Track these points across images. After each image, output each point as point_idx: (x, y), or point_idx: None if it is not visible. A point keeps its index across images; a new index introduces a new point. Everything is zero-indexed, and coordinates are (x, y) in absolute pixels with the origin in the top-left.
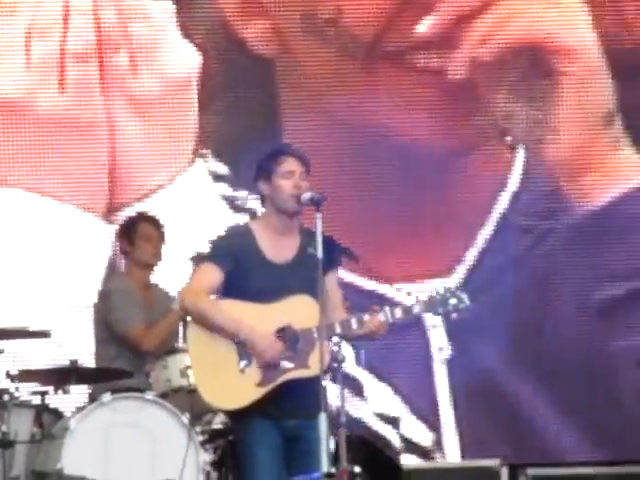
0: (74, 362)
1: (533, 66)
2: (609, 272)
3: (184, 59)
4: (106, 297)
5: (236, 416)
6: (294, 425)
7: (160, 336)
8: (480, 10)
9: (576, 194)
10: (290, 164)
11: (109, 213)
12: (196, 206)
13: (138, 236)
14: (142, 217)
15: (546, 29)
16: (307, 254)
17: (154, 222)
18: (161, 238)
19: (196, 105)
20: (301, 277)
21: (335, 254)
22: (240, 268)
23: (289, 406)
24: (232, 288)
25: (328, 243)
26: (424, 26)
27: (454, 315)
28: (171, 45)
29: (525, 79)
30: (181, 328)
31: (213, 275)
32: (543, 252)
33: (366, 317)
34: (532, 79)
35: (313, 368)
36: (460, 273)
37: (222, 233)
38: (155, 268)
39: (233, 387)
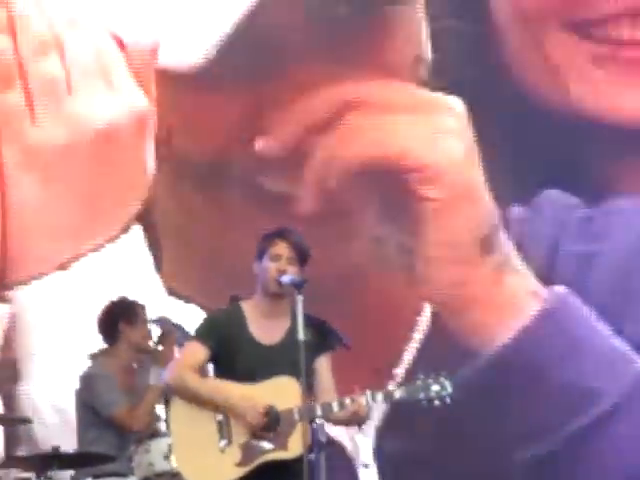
0: (56, 448)
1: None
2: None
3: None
4: (88, 382)
5: None
6: None
7: (146, 413)
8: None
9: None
10: (280, 248)
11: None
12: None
13: (139, 320)
14: (138, 303)
15: (399, 143)
16: (295, 337)
17: (145, 308)
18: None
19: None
20: (289, 359)
21: (329, 338)
22: (229, 348)
23: None
24: (220, 367)
25: (322, 327)
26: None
27: (436, 403)
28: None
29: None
30: (163, 410)
31: (199, 354)
32: None
33: (347, 400)
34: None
35: (292, 449)
36: None
37: (212, 312)
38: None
39: (213, 467)
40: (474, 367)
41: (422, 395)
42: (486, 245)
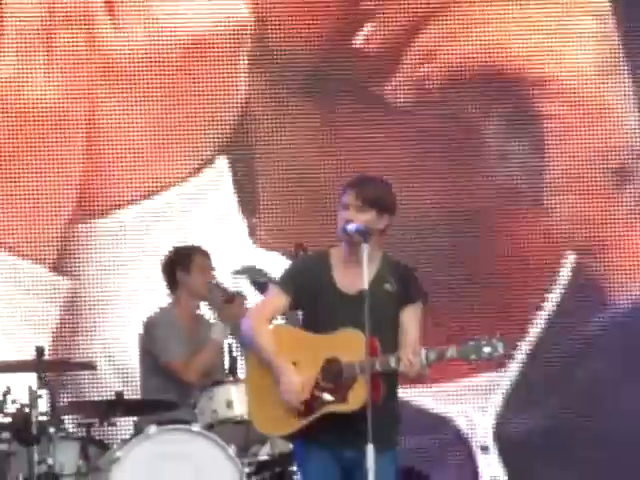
0: (120, 394)
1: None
2: None
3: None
4: (149, 328)
5: (297, 442)
6: (352, 456)
7: (201, 367)
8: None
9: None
10: (347, 197)
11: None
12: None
13: (194, 267)
14: (197, 249)
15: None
16: (381, 286)
17: (207, 254)
18: (212, 270)
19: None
20: (370, 308)
21: (413, 288)
22: (310, 295)
23: (347, 436)
24: (306, 314)
25: (407, 276)
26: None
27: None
28: None
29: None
30: (227, 359)
31: (277, 300)
32: None
33: (403, 356)
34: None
35: (352, 403)
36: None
37: (298, 258)
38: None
39: (279, 415)
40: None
41: (473, 356)
42: (623, 176)
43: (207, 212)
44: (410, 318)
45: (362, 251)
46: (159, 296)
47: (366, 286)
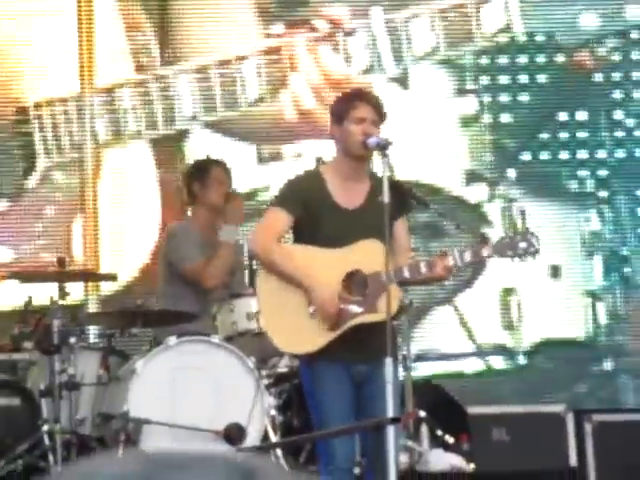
0: (140, 305)
1: None
2: None
3: None
4: (169, 238)
5: (305, 360)
6: (363, 369)
7: (218, 270)
8: None
9: None
10: (363, 110)
11: None
12: None
13: (210, 179)
14: (214, 161)
15: None
16: (376, 199)
17: (225, 167)
18: (230, 183)
19: None
20: (370, 222)
21: (406, 200)
22: (310, 213)
23: (359, 350)
24: (302, 233)
25: (398, 189)
26: None
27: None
28: None
29: None
30: (247, 274)
31: (282, 220)
32: None
33: (436, 260)
34: None
35: (382, 312)
36: None
37: (292, 177)
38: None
39: (303, 332)
40: None
41: (510, 252)
42: None
43: None
44: (403, 228)
45: (384, 165)
46: None
47: (387, 199)
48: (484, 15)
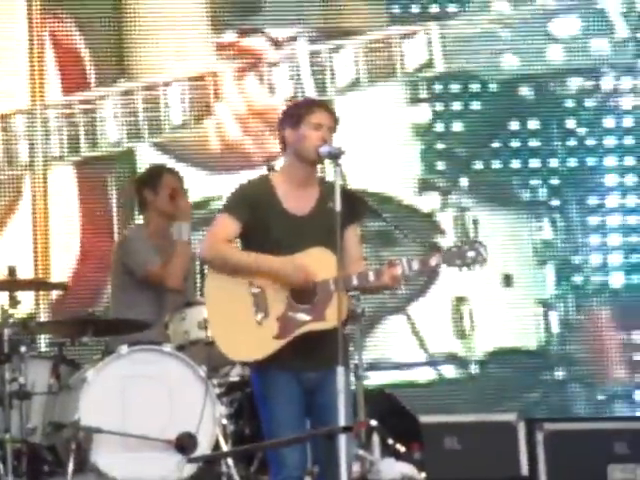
0: (91, 313)
1: None
2: None
3: None
4: (124, 243)
5: (255, 368)
6: (314, 377)
7: (178, 270)
8: None
9: None
10: (320, 116)
11: None
12: None
13: (162, 186)
14: (166, 168)
15: None
16: (326, 206)
17: (177, 174)
18: (183, 191)
19: None
20: (319, 229)
21: (357, 208)
22: (258, 219)
23: (309, 358)
24: (251, 239)
25: (350, 197)
26: None
27: (474, 267)
28: None
29: None
30: (199, 281)
31: (230, 226)
32: None
33: (383, 269)
34: None
35: (330, 320)
36: None
37: (240, 184)
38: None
39: (251, 339)
40: None
41: (458, 261)
42: None
43: None
44: (354, 236)
45: (337, 174)
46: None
47: (339, 207)
48: (407, 50)
